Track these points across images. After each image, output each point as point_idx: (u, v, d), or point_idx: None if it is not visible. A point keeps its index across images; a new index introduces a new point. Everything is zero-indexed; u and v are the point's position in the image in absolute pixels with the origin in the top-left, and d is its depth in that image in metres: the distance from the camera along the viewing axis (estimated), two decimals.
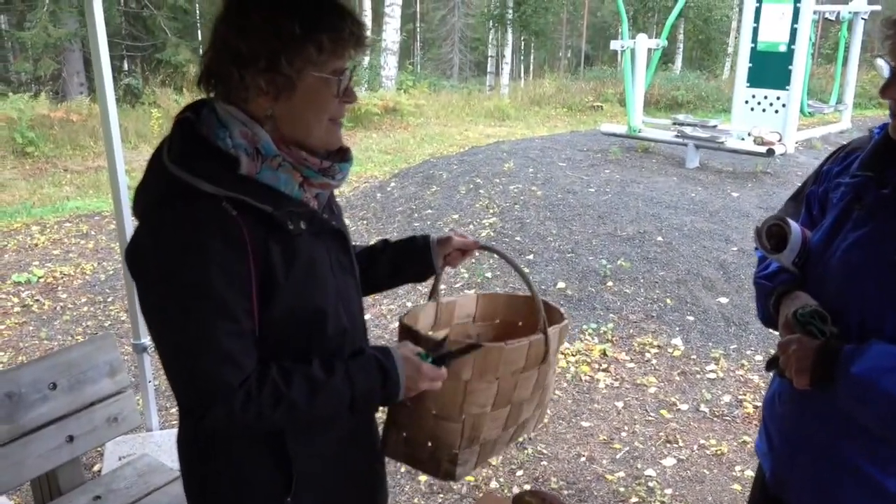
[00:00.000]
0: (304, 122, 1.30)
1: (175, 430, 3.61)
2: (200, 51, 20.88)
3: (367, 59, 18.64)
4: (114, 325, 5.24)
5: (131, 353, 3.55)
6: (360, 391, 1.34)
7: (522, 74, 31.98)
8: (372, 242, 1.75)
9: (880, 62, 1.36)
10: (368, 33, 1.34)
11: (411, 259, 1.70)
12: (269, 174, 1.27)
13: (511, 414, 1.61)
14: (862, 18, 9.94)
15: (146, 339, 3.28)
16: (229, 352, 1.23)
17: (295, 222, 1.30)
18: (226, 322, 1.23)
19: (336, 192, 1.51)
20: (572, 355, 4.61)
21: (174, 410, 4.02)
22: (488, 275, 5.66)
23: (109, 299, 5.71)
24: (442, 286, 1.79)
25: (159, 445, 3.28)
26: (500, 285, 5.46)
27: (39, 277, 6.18)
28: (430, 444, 1.56)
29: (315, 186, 1.36)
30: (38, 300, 5.73)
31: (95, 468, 3.43)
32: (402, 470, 3.47)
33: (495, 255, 6.13)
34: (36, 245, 7.12)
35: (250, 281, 1.25)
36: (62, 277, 6.21)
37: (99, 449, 3.33)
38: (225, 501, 1.45)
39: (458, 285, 5.51)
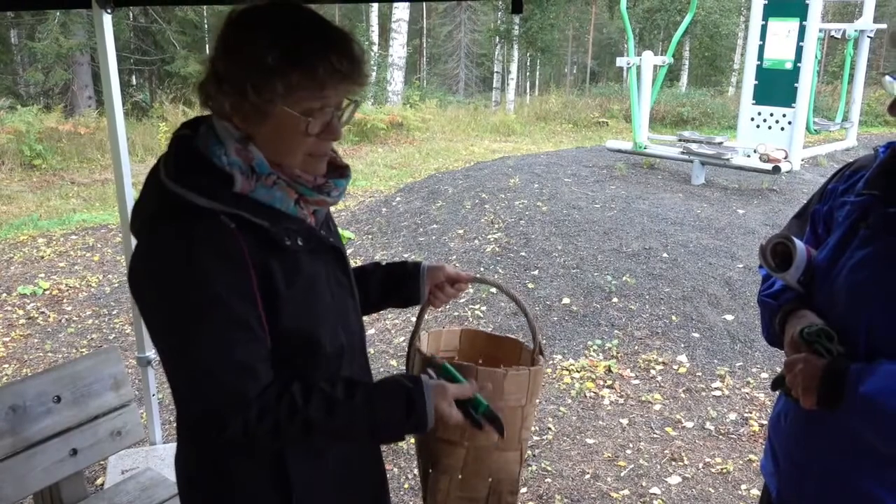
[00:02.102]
0: (279, 151, 1.29)
1: None
2: None
3: (374, 74, 18.76)
4: (118, 338, 5.25)
5: (135, 366, 3.55)
6: (382, 418, 1.31)
7: (528, 90, 32.11)
8: (361, 264, 1.73)
9: (888, 79, 1.36)
10: (365, 68, 1.29)
11: (400, 284, 1.68)
12: (263, 192, 1.28)
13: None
14: (868, 36, 9.95)
15: (150, 353, 3.28)
16: (246, 362, 1.24)
17: (292, 238, 1.30)
18: (239, 332, 1.23)
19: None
20: (577, 371, 4.60)
21: None
22: (493, 290, 5.65)
23: (114, 312, 5.72)
24: (428, 315, 1.77)
25: (162, 459, 3.27)
26: (505, 300, 5.45)
27: (45, 290, 6.20)
28: (490, 479, 1.53)
29: (311, 203, 1.36)
30: (43, 312, 5.75)
31: (98, 482, 3.42)
32: (406, 486, 3.46)
33: (500, 270, 6.10)
34: (42, 257, 7.15)
35: (254, 292, 1.25)
36: (67, 290, 6.23)
37: (102, 462, 3.32)
38: None
39: (462, 299, 5.51)
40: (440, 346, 1.81)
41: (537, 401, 1.58)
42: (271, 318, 1.28)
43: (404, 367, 1.73)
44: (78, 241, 7.74)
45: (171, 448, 3.40)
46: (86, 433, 2.42)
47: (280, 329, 1.29)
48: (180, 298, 1.22)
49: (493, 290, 5.66)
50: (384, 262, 1.73)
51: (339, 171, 1.42)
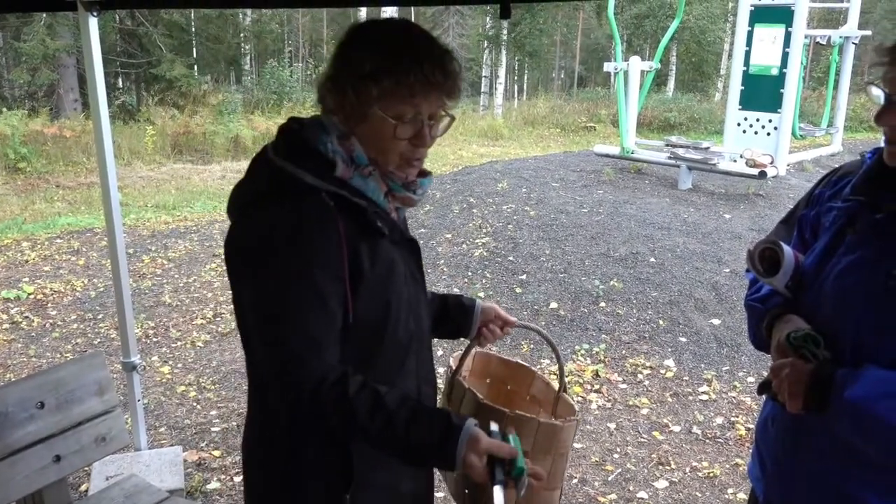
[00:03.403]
0: (374, 150, 1.40)
1: (163, 450, 3.59)
2: (196, 67, 20.98)
3: None
4: (103, 343, 5.21)
5: (121, 371, 3.52)
6: (416, 439, 1.32)
7: (516, 95, 32.20)
8: None
9: (875, 91, 1.36)
10: (459, 83, 1.40)
11: (455, 316, 1.75)
12: (360, 181, 1.39)
13: None
14: (853, 43, 10.04)
15: (136, 358, 3.26)
16: (318, 338, 1.31)
17: (382, 224, 1.41)
18: (321, 309, 1.32)
19: None
20: (565, 376, 4.59)
21: (163, 430, 3.98)
22: (481, 294, 5.66)
23: (99, 317, 5.68)
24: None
25: (147, 465, 3.25)
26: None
27: (29, 294, 6.14)
28: None
29: (397, 200, 1.47)
30: (27, 317, 5.70)
31: (82, 488, 3.39)
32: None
33: (488, 274, 6.12)
34: (26, 261, 7.09)
35: (344, 270, 1.33)
36: (52, 294, 6.17)
37: (86, 469, 3.29)
38: (282, 493, 1.48)
39: None
40: (453, 366, 1.84)
41: None
42: (359, 294, 1.36)
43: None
44: (63, 244, 7.68)
45: (157, 454, 3.39)
46: (69, 439, 2.39)
47: (359, 309, 1.37)
48: (279, 271, 1.31)
49: (482, 294, 5.66)
50: (440, 293, 1.80)
51: (422, 173, 1.52)
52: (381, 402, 1.31)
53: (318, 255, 1.31)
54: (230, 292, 1.46)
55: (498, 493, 1.30)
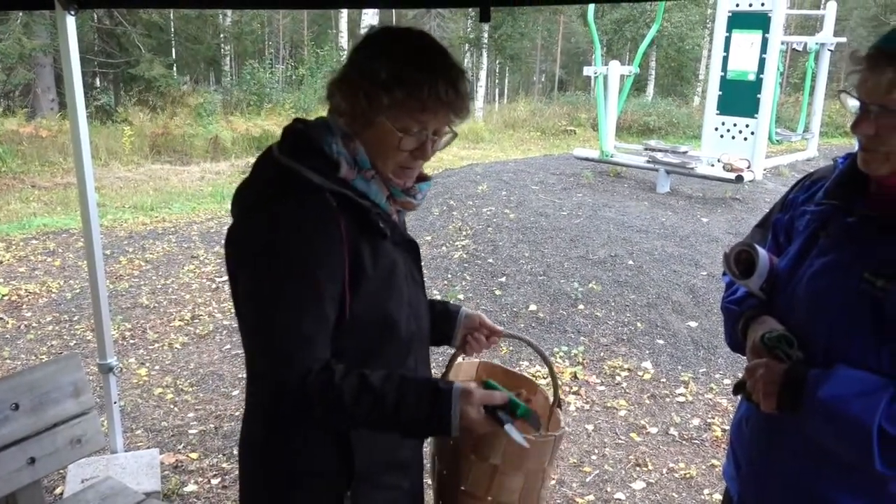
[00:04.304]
0: (374, 156, 1.41)
1: (140, 453, 3.56)
2: (175, 67, 20.81)
3: None
4: (79, 345, 5.15)
5: (97, 373, 3.49)
6: (407, 414, 1.34)
7: (497, 98, 32.26)
8: None
9: (850, 101, 1.38)
10: (468, 103, 1.42)
11: (438, 323, 1.73)
12: (362, 183, 1.41)
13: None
14: (829, 50, 10.17)
15: (112, 359, 3.23)
16: (309, 334, 1.33)
17: (383, 225, 1.43)
18: (317, 311, 1.33)
19: None
20: (543, 378, 4.61)
21: (140, 432, 3.95)
22: (461, 296, 5.66)
23: (75, 318, 5.62)
24: None
25: (123, 468, 3.22)
26: (472, 306, 5.46)
27: (4, 295, 6.06)
28: None
29: (398, 204, 1.49)
30: (1, 318, 5.62)
31: (57, 491, 3.35)
32: None
33: (468, 277, 6.11)
34: (0, 262, 7.00)
35: (343, 269, 1.35)
36: (27, 295, 6.10)
37: (61, 471, 3.26)
38: (268, 489, 1.49)
39: None
40: (458, 376, 1.82)
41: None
42: (355, 295, 1.38)
43: None
44: (38, 245, 7.59)
45: (133, 456, 3.36)
46: (44, 442, 2.37)
47: (360, 308, 1.39)
48: (280, 269, 1.32)
49: (461, 296, 5.67)
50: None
51: (421, 177, 1.54)
52: (367, 384, 1.33)
53: (319, 254, 1.32)
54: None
55: (511, 430, 1.37)
